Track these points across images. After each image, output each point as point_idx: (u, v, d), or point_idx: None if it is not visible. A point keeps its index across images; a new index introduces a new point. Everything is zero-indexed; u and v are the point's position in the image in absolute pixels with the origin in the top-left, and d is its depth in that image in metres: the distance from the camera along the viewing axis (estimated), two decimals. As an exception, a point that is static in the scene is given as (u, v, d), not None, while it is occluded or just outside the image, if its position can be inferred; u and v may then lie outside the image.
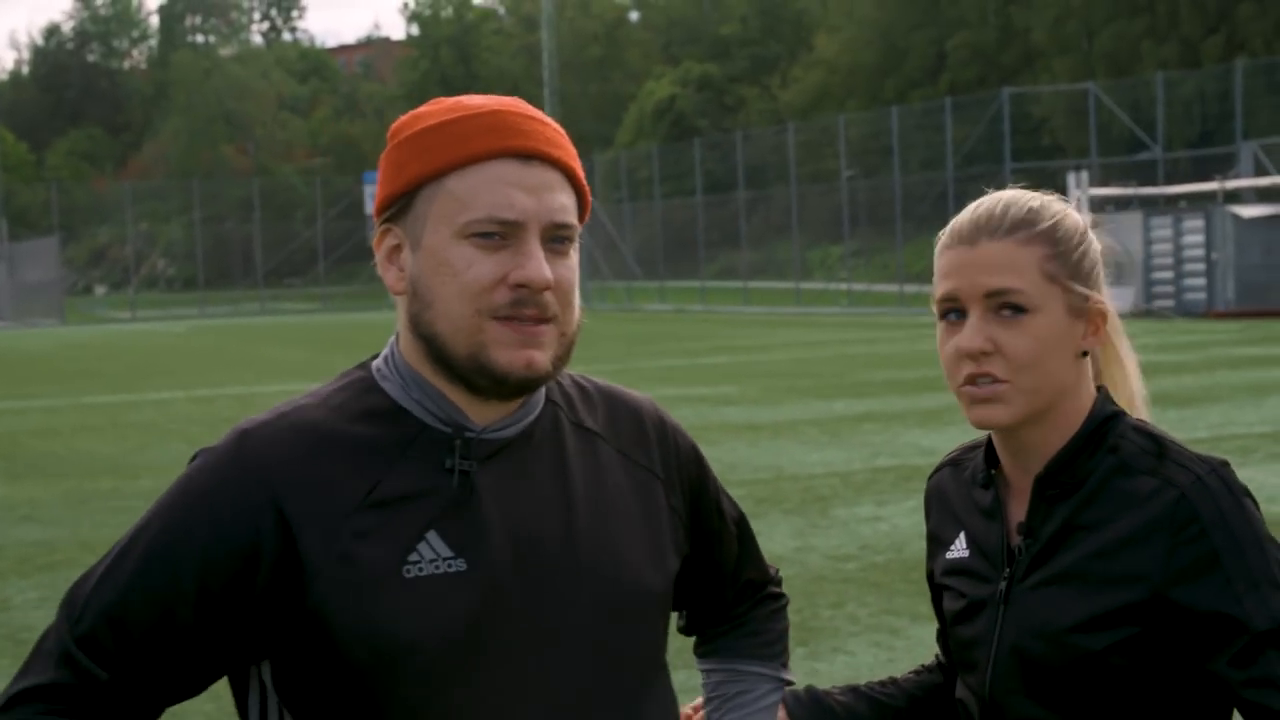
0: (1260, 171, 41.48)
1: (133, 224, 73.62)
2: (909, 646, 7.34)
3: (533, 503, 1.83)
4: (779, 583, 2.24)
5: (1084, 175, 41.81)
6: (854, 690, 2.28)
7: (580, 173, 1.84)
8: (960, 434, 11.36)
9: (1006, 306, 1.98)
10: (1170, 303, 39.91)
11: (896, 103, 58.38)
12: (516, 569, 1.79)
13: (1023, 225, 2.02)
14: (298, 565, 1.74)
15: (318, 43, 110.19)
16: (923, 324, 40.33)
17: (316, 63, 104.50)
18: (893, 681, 2.33)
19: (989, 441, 2.12)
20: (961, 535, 2.13)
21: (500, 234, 1.76)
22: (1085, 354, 2.04)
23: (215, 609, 1.75)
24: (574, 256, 1.83)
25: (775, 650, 2.19)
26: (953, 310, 2.03)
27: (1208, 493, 1.92)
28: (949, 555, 2.15)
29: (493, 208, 1.76)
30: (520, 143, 1.78)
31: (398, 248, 1.85)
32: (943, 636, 2.30)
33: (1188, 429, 14.50)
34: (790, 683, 2.20)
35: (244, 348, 39.12)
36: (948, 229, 2.08)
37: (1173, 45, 56.14)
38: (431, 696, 1.74)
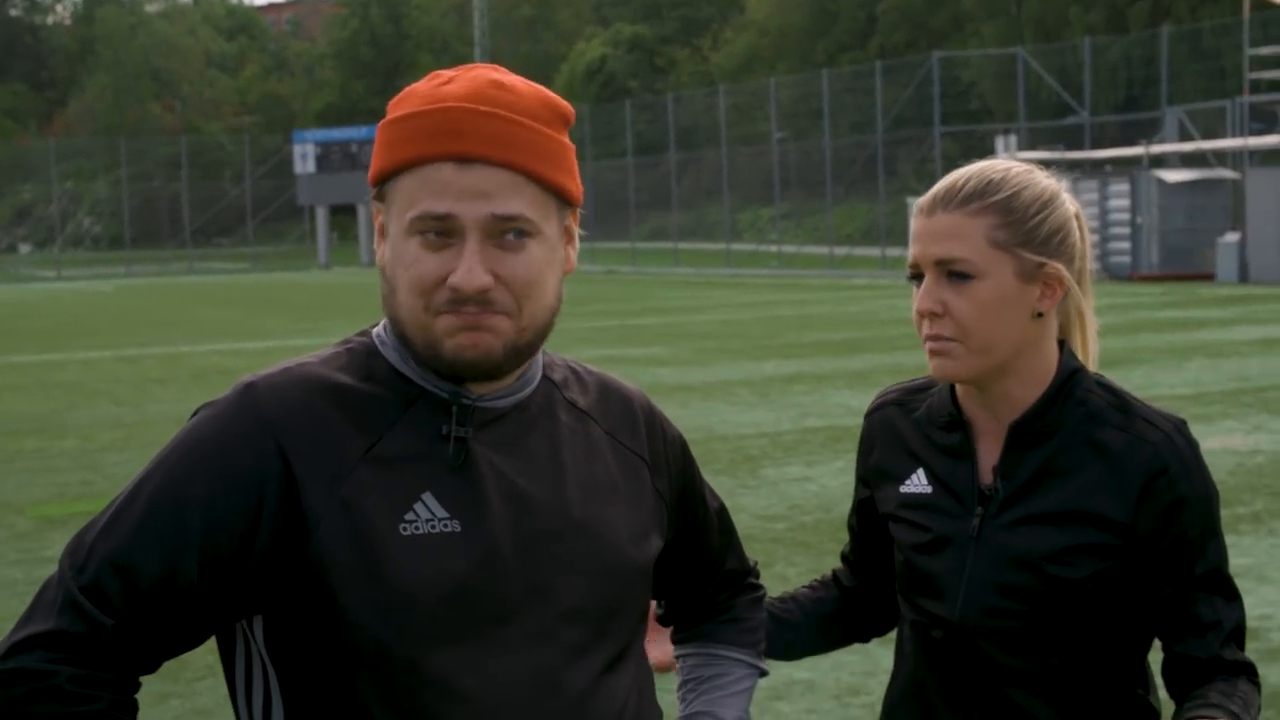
0: (1184, 137, 41.87)
1: (58, 182, 72.70)
2: (835, 604, 7.41)
3: (526, 472, 1.88)
4: (757, 574, 2.28)
5: (1012, 139, 42.12)
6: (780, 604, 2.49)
7: (542, 166, 1.82)
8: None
9: (953, 273, 2.16)
10: (1095, 265, 40.08)
11: (827, 66, 58.45)
12: (509, 534, 1.84)
13: (975, 197, 2.18)
14: (300, 514, 1.78)
15: (246, 0, 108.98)
16: (852, 286, 40.55)
17: (245, 20, 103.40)
18: (791, 598, 2.52)
19: (951, 387, 2.29)
20: (920, 471, 2.30)
21: (440, 232, 1.79)
22: (1041, 315, 2.21)
23: (220, 556, 1.77)
24: (535, 249, 1.82)
25: (754, 639, 2.23)
26: (915, 275, 2.22)
27: (1175, 449, 2.17)
28: (904, 489, 2.31)
29: (427, 209, 1.79)
30: (458, 146, 1.79)
31: (383, 226, 1.88)
32: (859, 561, 2.50)
33: (1111, 391, 14.70)
34: (765, 672, 2.24)
35: (172, 307, 38.76)
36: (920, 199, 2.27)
37: (1100, 11, 56.51)
38: (420, 654, 1.78)
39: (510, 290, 1.80)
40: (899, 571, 2.33)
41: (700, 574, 2.17)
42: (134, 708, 1.80)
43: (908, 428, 2.34)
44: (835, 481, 10.78)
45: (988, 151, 47.01)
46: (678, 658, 2.25)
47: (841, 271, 48.65)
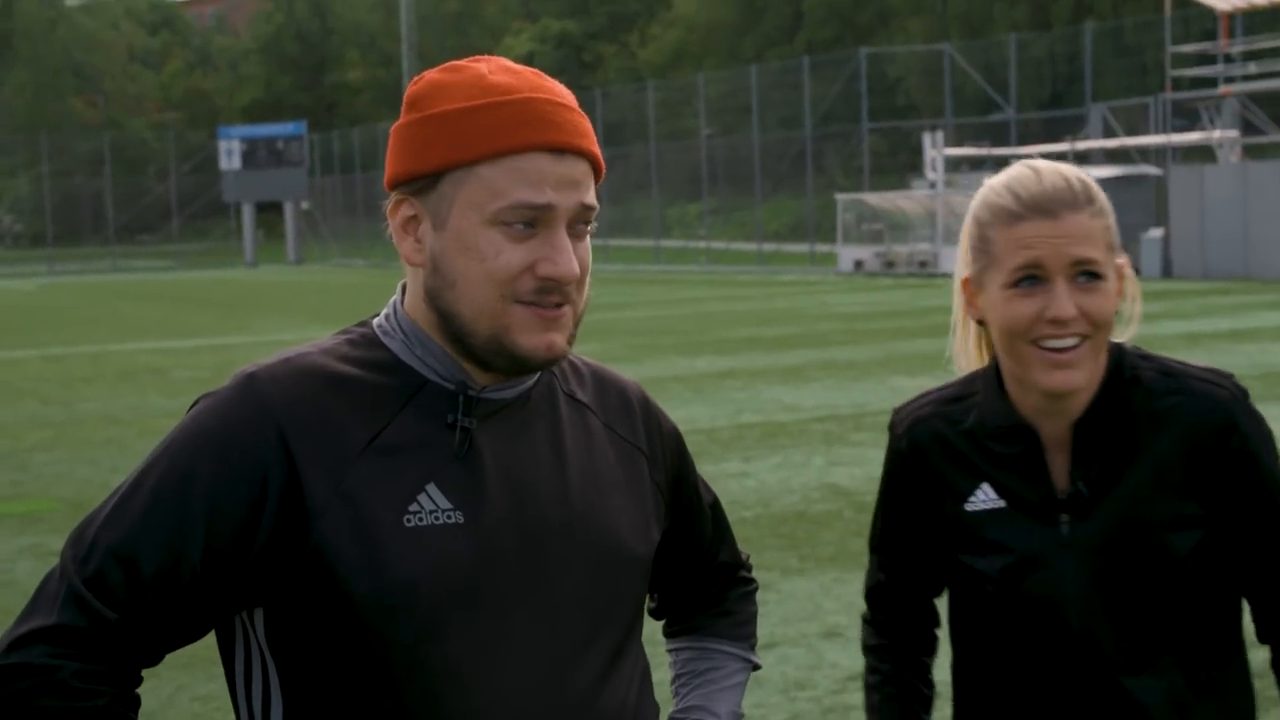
0: (1108, 133, 42.39)
1: (-24, 178, 71.80)
2: (780, 600, 7.46)
3: (529, 463, 1.88)
4: (750, 568, 2.27)
5: (939, 135, 42.40)
6: None
7: (599, 154, 1.89)
8: (823, 390, 11.56)
9: (1086, 274, 2.13)
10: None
11: (754, 61, 58.68)
12: (513, 524, 1.84)
13: (1089, 199, 2.16)
14: (302, 504, 1.77)
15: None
16: (780, 282, 40.71)
17: (168, 14, 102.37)
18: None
19: (1002, 392, 2.23)
20: (986, 486, 2.24)
21: (530, 222, 1.80)
22: (1118, 312, 2.20)
23: (222, 546, 1.76)
24: (589, 237, 1.88)
25: (746, 632, 2.22)
26: (1030, 278, 2.14)
27: (1236, 402, 2.19)
28: (971, 507, 2.24)
29: (525, 199, 1.79)
30: (554, 136, 1.82)
31: (414, 219, 1.86)
32: (899, 592, 2.40)
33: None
34: (758, 665, 2.22)
35: (97, 305, 38.39)
36: (1010, 200, 2.17)
37: (1024, 8, 57.05)
38: (424, 645, 1.78)
39: (577, 279, 1.84)
40: (980, 603, 2.25)
41: (693, 566, 2.17)
42: (136, 702, 1.79)
43: (960, 440, 2.27)
44: (772, 477, 10.84)
45: (915, 148, 47.42)
46: (670, 651, 2.24)
47: (770, 267, 48.85)
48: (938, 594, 2.40)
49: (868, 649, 2.45)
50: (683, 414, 14.15)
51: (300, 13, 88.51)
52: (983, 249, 2.20)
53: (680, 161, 59.52)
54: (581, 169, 1.85)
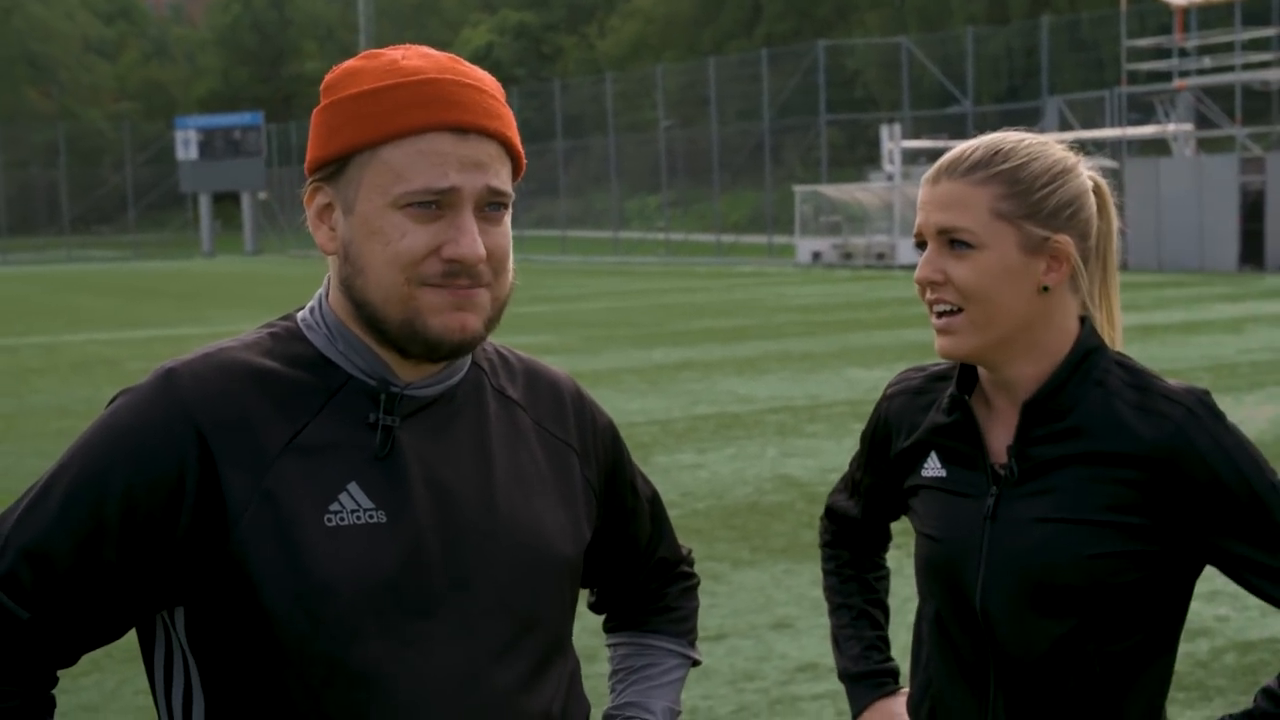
0: (1064, 126, 42.55)
1: (-70, 168, 71.21)
2: (730, 592, 7.48)
3: (453, 462, 1.85)
4: (691, 563, 2.26)
5: (896, 128, 42.53)
6: (883, 642, 2.51)
7: (516, 138, 1.84)
8: (778, 381, 11.57)
9: (954, 241, 2.12)
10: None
11: (713, 53, 58.70)
12: (435, 524, 1.81)
13: (980, 166, 2.14)
14: (220, 502, 1.73)
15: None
16: (738, 274, 40.75)
17: (124, 4, 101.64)
18: (870, 616, 2.53)
19: (962, 368, 2.24)
20: (934, 455, 2.26)
21: (435, 204, 1.76)
22: (1047, 289, 2.13)
23: (139, 546, 1.73)
24: (507, 221, 1.83)
25: (685, 628, 2.21)
26: (920, 243, 2.18)
27: (1199, 423, 2.08)
28: (924, 473, 2.27)
29: (427, 181, 1.75)
30: (456, 115, 1.78)
31: (329, 207, 1.83)
32: (855, 521, 2.53)
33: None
34: (698, 661, 2.21)
35: (50, 296, 38.11)
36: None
37: (981, 2, 57.27)
38: (344, 645, 1.75)
39: (491, 262, 1.80)
40: (918, 562, 2.27)
41: (630, 562, 2.15)
42: (50, 704, 1.77)
43: (921, 414, 2.29)
44: (726, 468, 10.84)
45: (873, 140, 47.56)
46: (609, 646, 2.22)
47: (728, 259, 48.90)
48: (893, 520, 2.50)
49: (824, 543, 2.61)
50: (637, 406, 14.16)
51: (258, 3, 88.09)
52: None
53: (639, 153, 59.53)
54: (489, 150, 1.79)
